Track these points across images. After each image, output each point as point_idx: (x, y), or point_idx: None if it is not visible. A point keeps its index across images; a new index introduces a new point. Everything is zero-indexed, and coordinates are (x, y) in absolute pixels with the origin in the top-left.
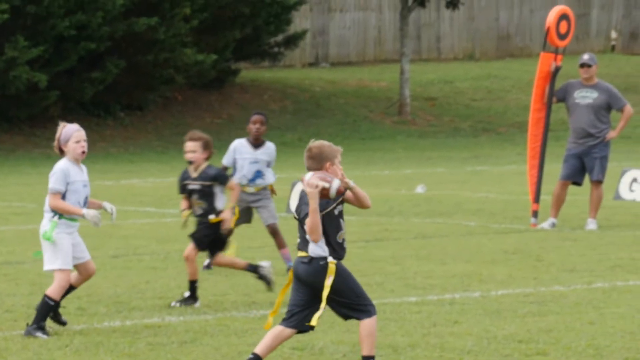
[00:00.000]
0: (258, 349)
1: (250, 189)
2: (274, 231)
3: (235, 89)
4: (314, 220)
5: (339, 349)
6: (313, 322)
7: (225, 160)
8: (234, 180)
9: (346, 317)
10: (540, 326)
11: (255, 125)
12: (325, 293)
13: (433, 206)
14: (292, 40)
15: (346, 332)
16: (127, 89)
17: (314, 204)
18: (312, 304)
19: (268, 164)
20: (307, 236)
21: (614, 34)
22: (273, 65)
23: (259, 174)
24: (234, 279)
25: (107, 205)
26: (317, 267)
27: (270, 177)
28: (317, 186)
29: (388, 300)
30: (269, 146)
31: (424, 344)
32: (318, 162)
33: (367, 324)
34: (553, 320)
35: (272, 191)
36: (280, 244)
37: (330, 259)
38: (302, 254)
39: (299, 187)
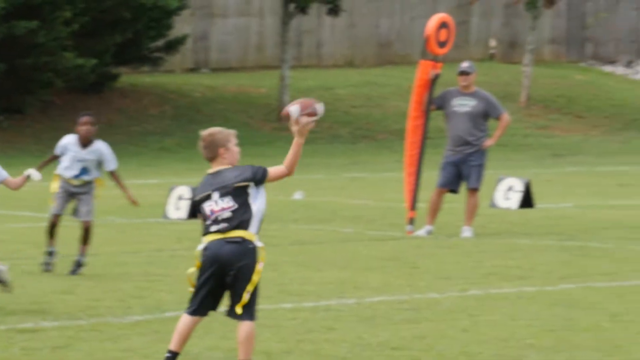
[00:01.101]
0: (173, 346)
1: (75, 182)
2: (86, 228)
3: (114, 93)
4: (298, 154)
5: (214, 356)
6: (238, 310)
7: (56, 150)
8: (58, 171)
9: (230, 313)
10: (414, 333)
11: (84, 127)
12: (257, 278)
13: (311, 212)
14: (173, 46)
15: (222, 339)
16: (7, 92)
17: (301, 140)
18: (218, 291)
19: (98, 163)
20: (243, 218)
21: (493, 42)
22: (153, 70)
23: (84, 171)
24: (108, 284)
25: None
26: (247, 249)
27: (96, 174)
28: (308, 123)
29: (263, 307)
30: (99, 147)
31: (298, 351)
32: (212, 149)
33: (248, 326)
34: (427, 328)
35: (100, 185)
36: (85, 241)
37: (261, 244)
38: (232, 234)
39: (177, 192)
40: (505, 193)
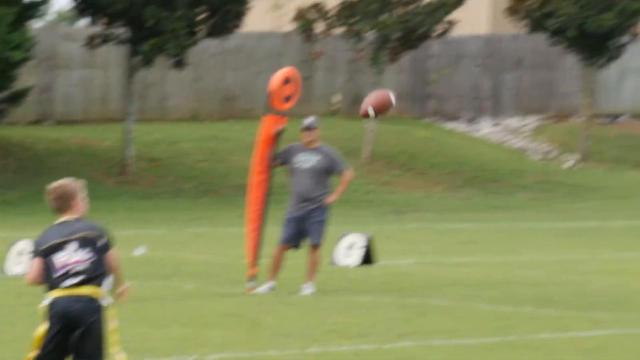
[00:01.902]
0: None
1: None
2: None
3: None
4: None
5: None
6: None
7: None
8: None
9: None
10: None
11: None
12: (114, 338)
13: (152, 268)
14: (17, 97)
15: None
16: None
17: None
18: (63, 351)
19: None
20: (97, 273)
21: (337, 98)
22: None
23: None
24: None
25: None
26: (96, 307)
27: None
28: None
29: None
30: None
31: None
32: (64, 200)
33: None
34: None
35: None
36: None
37: (110, 301)
38: (82, 290)
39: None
40: (347, 250)
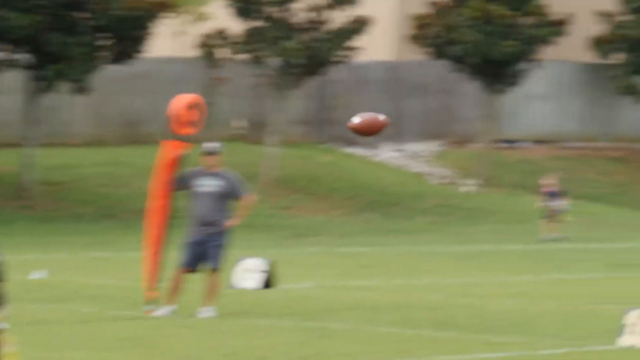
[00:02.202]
0: None
1: None
2: None
3: None
4: None
5: None
6: None
7: None
8: None
9: None
10: None
11: None
12: None
13: (51, 292)
14: None
15: None
16: None
17: None
18: None
19: None
20: None
21: (240, 123)
22: None
23: None
24: None
25: None
26: None
27: None
28: None
29: None
30: None
31: None
32: None
33: None
34: None
35: None
36: None
37: (3, 326)
38: None
39: None
40: (247, 273)
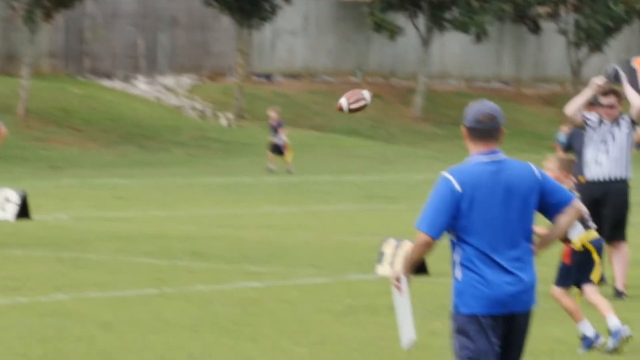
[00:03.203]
0: None
1: None
2: None
3: None
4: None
5: None
6: None
7: None
8: None
9: None
10: None
11: None
12: None
13: None
14: None
15: None
16: None
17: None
18: None
19: None
20: None
21: None
22: None
23: None
24: None
25: None
26: None
27: None
28: None
29: None
30: None
31: None
32: None
33: None
34: None
35: None
36: None
37: None
38: None
39: None
40: (1, 204)
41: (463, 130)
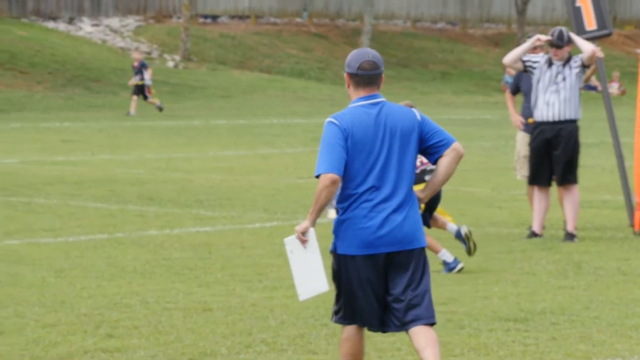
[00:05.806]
0: None
1: None
2: None
3: None
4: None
5: None
6: None
7: None
8: None
9: None
10: None
11: None
12: None
13: None
14: None
15: None
16: None
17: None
18: None
19: None
20: None
21: None
22: None
23: None
24: None
25: None
26: None
27: None
28: None
29: None
30: None
31: None
32: None
33: None
34: None
35: None
36: None
37: None
38: None
39: None
40: None
41: (346, 77)
